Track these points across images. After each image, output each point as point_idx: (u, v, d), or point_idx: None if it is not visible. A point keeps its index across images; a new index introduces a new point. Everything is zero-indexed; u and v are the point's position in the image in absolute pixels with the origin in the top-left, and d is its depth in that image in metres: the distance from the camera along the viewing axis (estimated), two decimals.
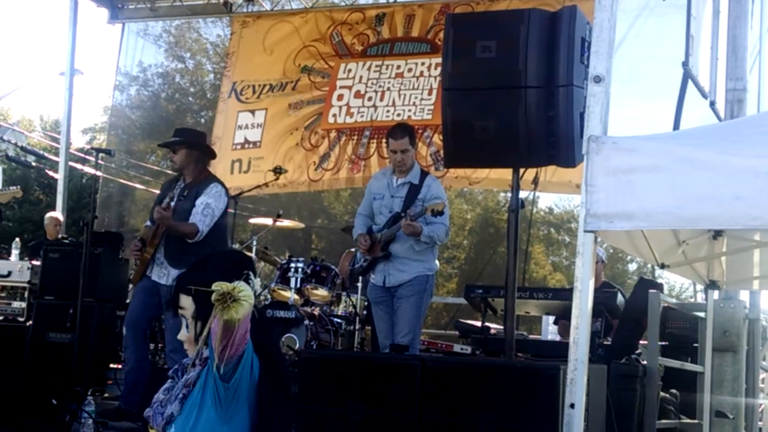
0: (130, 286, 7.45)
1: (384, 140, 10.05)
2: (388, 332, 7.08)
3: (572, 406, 4.65)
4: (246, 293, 2.93)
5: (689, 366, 7.50)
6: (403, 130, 7.29)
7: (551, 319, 10.19)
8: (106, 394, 8.14)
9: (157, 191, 7.92)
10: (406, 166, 7.15)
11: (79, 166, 21.53)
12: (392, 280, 7.05)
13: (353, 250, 9.57)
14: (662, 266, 6.86)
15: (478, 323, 7.75)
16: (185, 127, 8.31)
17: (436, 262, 7.38)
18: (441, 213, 6.88)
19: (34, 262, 9.37)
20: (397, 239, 7.02)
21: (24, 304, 9.23)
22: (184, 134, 7.41)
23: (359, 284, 8.70)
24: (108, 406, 7.03)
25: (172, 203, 6.92)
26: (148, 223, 7.33)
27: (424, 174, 7.30)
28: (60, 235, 10.43)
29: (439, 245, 7.29)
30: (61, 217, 10.85)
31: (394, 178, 7.19)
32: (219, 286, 2.91)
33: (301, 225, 11.12)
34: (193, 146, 7.20)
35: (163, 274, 6.97)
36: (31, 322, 8.56)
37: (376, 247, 7.08)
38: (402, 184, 7.15)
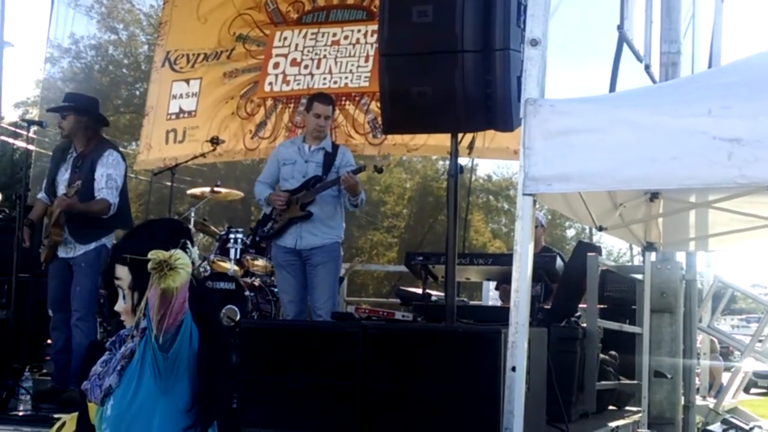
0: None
1: None
2: (295, 296, 7.15)
3: (513, 369, 4.67)
4: (183, 261, 2.88)
5: (628, 328, 7.60)
6: (329, 98, 7.44)
7: (492, 285, 10.25)
8: (44, 370, 8.02)
9: None
10: (324, 133, 7.28)
11: (11, 140, 21.16)
12: (304, 243, 7.09)
13: None
14: (600, 229, 6.92)
15: (420, 291, 7.75)
16: (75, 92, 8.00)
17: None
18: (382, 171, 7.38)
19: None
20: (316, 202, 7.09)
21: None
22: (74, 99, 7.13)
23: None
24: (42, 385, 6.92)
25: (67, 187, 6.74)
26: (41, 195, 7.08)
27: (335, 144, 7.48)
28: None
29: (361, 214, 7.36)
30: None
31: (306, 146, 7.28)
32: (155, 255, 2.86)
33: (240, 194, 11.01)
34: (81, 112, 6.93)
35: (70, 249, 6.83)
36: None
37: (294, 208, 7.11)
38: (316, 150, 7.24)
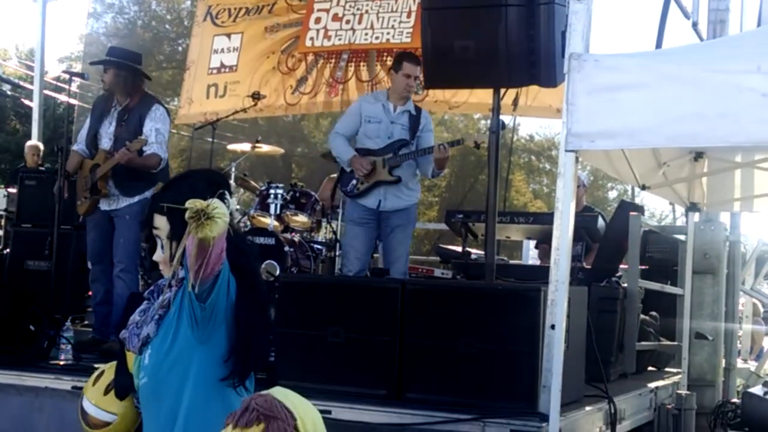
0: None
1: (362, 63, 9.99)
2: (363, 253, 7.15)
3: (553, 327, 4.64)
4: (220, 211, 2.86)
5: (669, 289, 7.53)
6: (418, 58, 7.21)
7: (532, 244, 10.20)
8: (86, 321, 8.10)
9: None
10: (412, 93, 7.23)
11: (55, 95, 21.26)
12: (388, 205, 7.07)
13: (335, 176, 9.48)
14: (643, 187, 6.85)
15: (459, 249, 7.73)
16: (118, 47, 7.98)
17: None
18: (479, 147, 7.10)
19: (11, 190, 9.25)
20: (402, 166, 7.05)
21: (0, 232, 9.10)
22: (115, 53, 7.10)
23: (339, 209, 8.64)
24: (84, 336, 6.99)
25: (114, 141, 6.76)
26: (79, 147, 7.06)
27: (417, 107, 7.35)
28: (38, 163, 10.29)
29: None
30: (41, 146, 10.67)
31: (391, 105, 7.16)
32: (193, 204, 2.84)
33: (281, 150, 10.99)
34: (121, 66, 6.91)
35: (113, 201, 6.84)
36: (8, 250, 8.47)
37: (381, 171, 7.06)
38: (402, 112, 7.15)
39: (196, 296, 3.00)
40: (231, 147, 10.54)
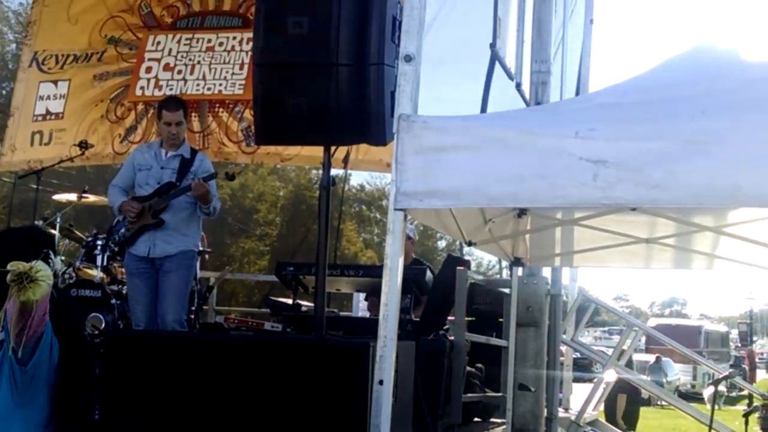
0: None
1: (193, 114, 9.95)
2: (148, 304, 7.01)
3: (381, 382, 4.69)
4: (44, 273, 2.80)
5: (494, 341, 7.71)
6: (177, 103, 7.31)
7: (362, 296, 10.28)
8: None
9: None
10: (179, 140, 7.17)
11: None
12: (158, 252, 6.99)
13: None
14: (469, 244, 7.00)
15: (290, 301, 7.72)
16: None
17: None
18: (233, 178, 7.42)
19: None
20: (170, 209, 7.00)
21: None
22: None
23: None
24: None
25: None
26: None
27: (194, 150, 7.36)
28: None
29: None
30: None
31: (163, 151, 7.17)
32: (15, 266, 2.77)
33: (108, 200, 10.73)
34: None
35: None
36: None
37: (146, 215, 7.00)
38: (173, 156, 7.14)
39: (17, 360, 2.92)
40: (57, 197, 10.27)
